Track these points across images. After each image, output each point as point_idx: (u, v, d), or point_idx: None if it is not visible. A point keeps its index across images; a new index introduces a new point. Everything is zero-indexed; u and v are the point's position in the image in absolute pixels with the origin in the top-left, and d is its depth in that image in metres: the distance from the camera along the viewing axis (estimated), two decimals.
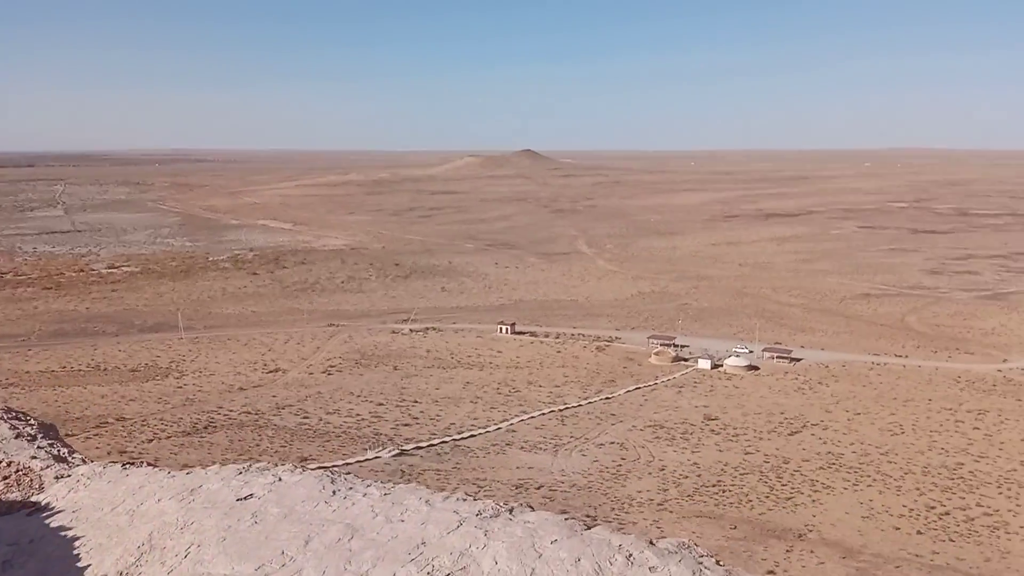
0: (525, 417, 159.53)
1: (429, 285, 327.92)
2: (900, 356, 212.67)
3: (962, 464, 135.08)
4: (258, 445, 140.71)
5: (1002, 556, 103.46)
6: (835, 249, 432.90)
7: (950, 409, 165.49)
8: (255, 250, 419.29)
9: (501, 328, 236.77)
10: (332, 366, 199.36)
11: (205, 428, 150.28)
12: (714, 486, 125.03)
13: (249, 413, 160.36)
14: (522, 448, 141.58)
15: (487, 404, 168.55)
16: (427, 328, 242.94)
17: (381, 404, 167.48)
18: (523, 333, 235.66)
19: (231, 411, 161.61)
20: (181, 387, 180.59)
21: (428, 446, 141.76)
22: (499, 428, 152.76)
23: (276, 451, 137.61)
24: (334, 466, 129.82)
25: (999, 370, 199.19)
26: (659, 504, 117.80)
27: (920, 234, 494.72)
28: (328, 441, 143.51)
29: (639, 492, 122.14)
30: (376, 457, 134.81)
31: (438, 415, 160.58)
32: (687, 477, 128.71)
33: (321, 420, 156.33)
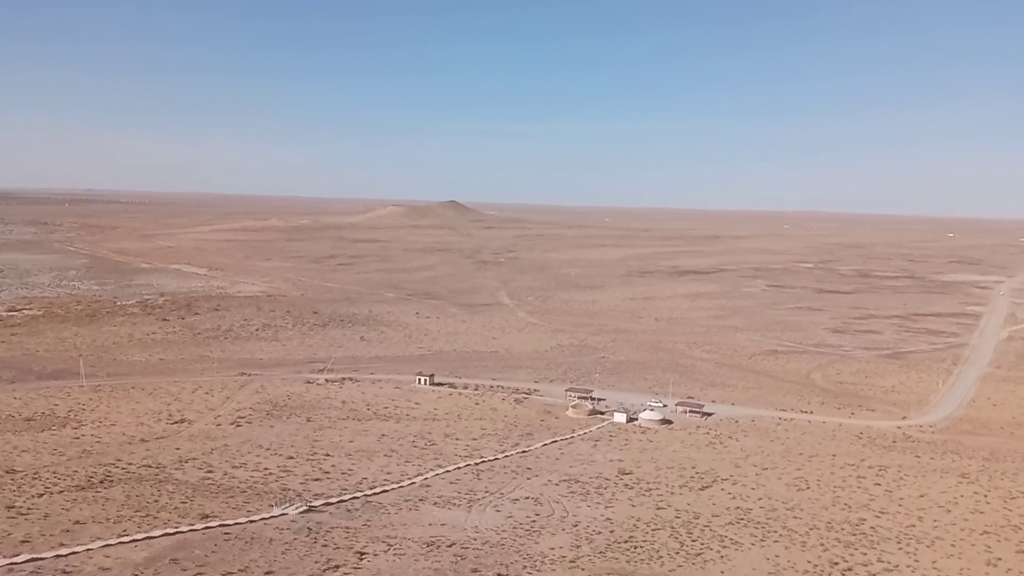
0: (440, 471, 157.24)
1: (348, 334, 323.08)
2: (806, 412, 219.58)
3: (864, 520, 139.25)
4: (156, 501, 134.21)
5: None
6: (745, 306, 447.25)
7: (853, 465, 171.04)
8: (166, 295, 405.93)
9: (420, 379, 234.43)
10: (241, 417, 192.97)
11: (101, 482, 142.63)
12: (626, 542, 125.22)
13: (149, 467, 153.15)
14: (436, 504, 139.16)
15: (402, 457, 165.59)
16: (343, 378, 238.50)
17: (291, 458, 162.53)
18: (442, 384, 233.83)
19: (130, 464, 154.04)
20: (78, 438, 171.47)
21: (338, 502, 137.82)
22: (413, 483, 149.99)
23: (176, 508, 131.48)
24: (236, 523, 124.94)
25: (899, 427, 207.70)
26: (571, 561, 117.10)
27: (825, 294, 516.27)
28: (232, 497, 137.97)
29: (552, 549, 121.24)
30: (282, 514, 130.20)
31: (350, 469, 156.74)
32: (600, 533, 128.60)
33: (226, 474, 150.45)
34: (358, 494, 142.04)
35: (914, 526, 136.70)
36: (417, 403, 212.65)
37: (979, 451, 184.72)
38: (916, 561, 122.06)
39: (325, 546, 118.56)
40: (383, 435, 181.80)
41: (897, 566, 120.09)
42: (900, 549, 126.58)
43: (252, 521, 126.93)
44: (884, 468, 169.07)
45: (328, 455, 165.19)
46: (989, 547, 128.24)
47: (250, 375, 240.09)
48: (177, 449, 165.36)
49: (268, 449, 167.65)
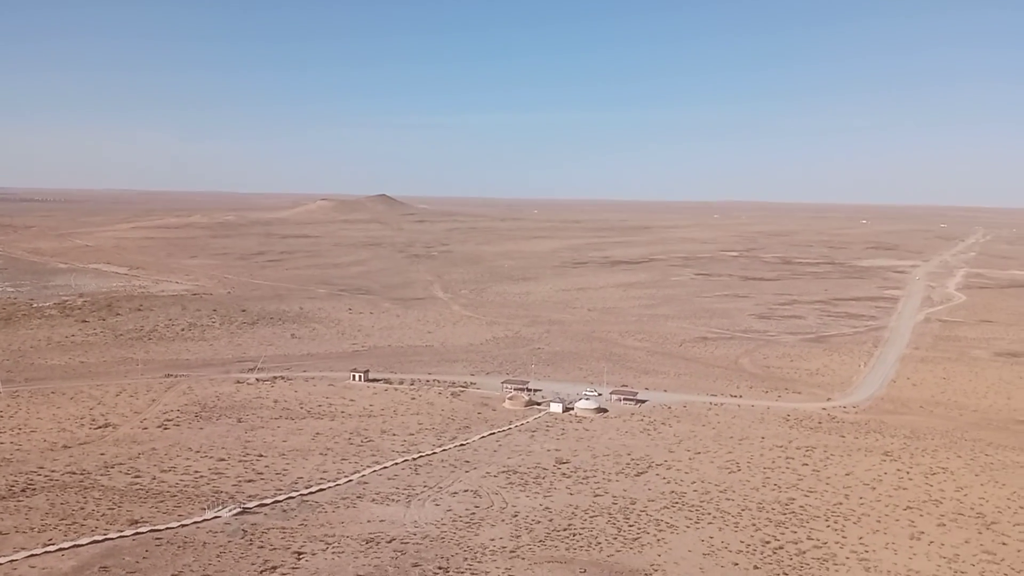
0: (378, 467, 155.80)
1: (278, 332, 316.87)
2: (735, 396, 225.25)
3: (793, 499, 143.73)
4: (82, 508, 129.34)
5: None
6: (675, 295, 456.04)
7: (781, 446, 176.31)
8: (86, 296, 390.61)
9: (354, 375, 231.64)
10: (169, 419, 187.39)
11: (23, 491, 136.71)
12: (565, 530, 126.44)
13: (74, 473, 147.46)
14: (374, 500, 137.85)
15: (338, 455, 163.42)
16: (275, 377, 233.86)
17: (223, 459, 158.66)
18: (377, 380, 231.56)
19: (53, 472, 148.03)
20: None
21: (273, 503, 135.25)
22: (350, 480, 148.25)
23: (103, 514, 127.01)
24: (167, 528, 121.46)
25: (824, 408, 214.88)
26: (511, 551, 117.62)
27: (750, 281, 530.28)
28: (162, 502, 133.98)
29: (492, 540, 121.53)
30: (215, 517, 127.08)
31: (285, 469, 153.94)
32: (539, 522, 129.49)
33: (155, 479, 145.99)
34: (294, 494, 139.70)
35: (841, 504, 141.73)
36: (352, 400, 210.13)
37: (900, 430, 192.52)
38: (844, 537, 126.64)
39: (261, 547, 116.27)
40: (318, 433, 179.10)
41: (826, 543, 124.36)
42: (828, 526, 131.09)
43: (184, 525, 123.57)
44: (811, 448, 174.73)
45: (261, 456, 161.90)
46: (912, 521, 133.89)
47: (177, 376, 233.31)
48: (102, 454, 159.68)
49: (198, 451, 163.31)
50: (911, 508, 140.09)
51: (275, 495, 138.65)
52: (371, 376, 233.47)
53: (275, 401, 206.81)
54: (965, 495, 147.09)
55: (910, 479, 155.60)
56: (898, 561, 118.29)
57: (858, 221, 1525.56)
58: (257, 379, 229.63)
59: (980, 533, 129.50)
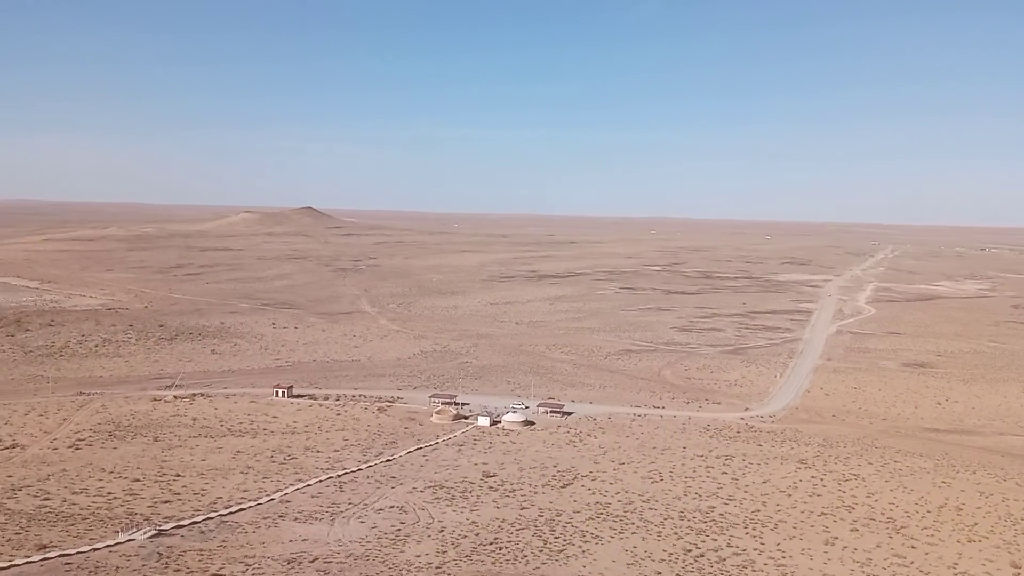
0: (301, 486, 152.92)
1: (198, 347, 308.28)
2: (658, 407, 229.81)
3: (713, 507, 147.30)
4: None
5: None
6: (600, 308, 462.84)
7: (702, 456, 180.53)
8: None
9: (277, 392, 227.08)
10: (81, 439, 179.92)
11: None
12: (491, 544, 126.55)
13: None
14: (296, 519, 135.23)
15: (259, 474, 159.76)
16: (194, 394, 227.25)
17: (138, 480, 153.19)
18: (301, 396, 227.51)
19: None
20: None
21: (191, 524, 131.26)
22: (272, 499, 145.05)
23: (9, 539, 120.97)
24: (78, 553, 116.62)
25: (742, 418, 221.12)
26: (438, 567, 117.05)
27: (673, 295, 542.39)
28: (73, 525, 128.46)
29: (417, 556, 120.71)
30: (129, 540, 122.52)
31: (203, 489, 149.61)
32: (466, 537, 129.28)
33: (65, 501, 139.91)
34: (212, 514, 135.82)
35: (759, 511, 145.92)
36: (275, 417, 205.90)
37: (815, 438, 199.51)
38: (762, 544, 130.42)
39: (178, 571, 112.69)
40: (239, 452, 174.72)
41: (745, 549, 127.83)
42: (747, 533, 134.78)
43: (96, 549, 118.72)
44: (730, 457, 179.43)
45: (179, 475, 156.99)
46: (826, 527, 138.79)
47: (90, 394, 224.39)
48: (9, 476, 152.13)
49: (111, 472, 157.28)
50: (825, 514, 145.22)
51: (193, 516, 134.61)
52: (295, 392, 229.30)
53: (194, 419, 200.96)
54: (876, 501, 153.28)
55: (824, 486, 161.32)
56: (813, 566, 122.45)
57: (773, 237, 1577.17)
58: (175, 396, 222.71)
59: (890, 537, 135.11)
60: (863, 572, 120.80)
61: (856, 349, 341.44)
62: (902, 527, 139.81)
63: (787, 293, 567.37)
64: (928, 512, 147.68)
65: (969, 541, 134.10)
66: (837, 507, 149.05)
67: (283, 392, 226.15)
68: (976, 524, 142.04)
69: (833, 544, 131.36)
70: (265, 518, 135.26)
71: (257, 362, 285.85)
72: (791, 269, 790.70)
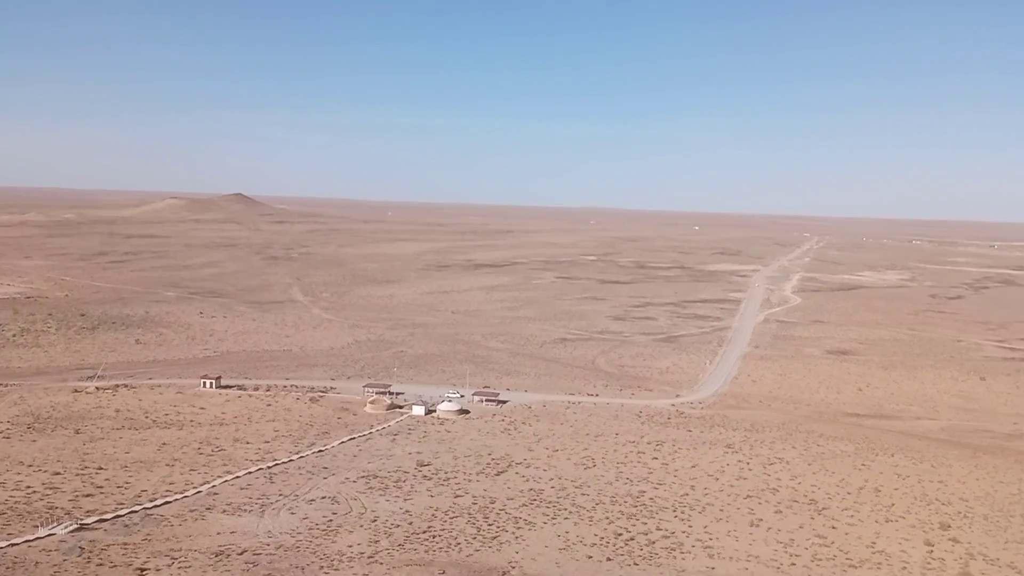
0: (229, 477, 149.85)
1: (121, 337, 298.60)
2: (592, 395, 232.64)
3: (644, 492, 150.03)
4: None
5: (678, 574, 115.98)
6: (536, 297, 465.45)
7: (633, 442, 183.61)
8: None
9: (205, 382, 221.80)
10: None
11: None
12: (425, 532, 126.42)
13: None
14: (225, 511, 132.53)
15: (186, 466, 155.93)
16: (117, 385, 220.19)
17: (58, 473, 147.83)
18: (230, 387, 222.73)
19: None
20: None
21: (114, 518, 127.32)
22: (199, 491, 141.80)
23: None
24: None
25: (673, 404, 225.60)
26: (370, 557, 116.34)
27: (607, 284, 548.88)
28: None
29: (350, 547, 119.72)
30: (49, 535, 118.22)
31: (127, 482, 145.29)
32: (399, 526, 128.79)
33: None
34: (136, 507, 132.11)
35: (687, 494, 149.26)
36: (202, 408, 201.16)
37: (742, 423, 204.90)
38: (690, 527, 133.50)
39: (100, 565, 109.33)
40: (164, 444, 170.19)
41: (673, 532, 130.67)
42: (676, 517, 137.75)
43: (14, 544, 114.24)
44: (661, 443, 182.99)
45: (101, 468, 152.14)
46: (752, 509, 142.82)
47: (6, 386, 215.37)
48: None
49: (30, 466, 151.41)
50: (751, 497, 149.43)
51: (116, 510, 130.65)
52: (224, 383, 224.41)
53: (117, 411, 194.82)
54: (799, 483, 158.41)
55: (750, 469, 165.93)
56: (739, 547, 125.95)
57: (702, 228, 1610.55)
58: (97, 388, 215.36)
59: (812, 518, 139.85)
60: (786, 552, 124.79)
61: (782, 337, 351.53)
62: (823, 508, 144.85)
63: (718, 283, 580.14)
64: (848, 494, 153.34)
65: (886, 521, 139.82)
66: (762, 490, 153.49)
67: (211, 383, 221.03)
68: (893, 504, 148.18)
69: (758, 525, 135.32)
70: (192, 511, 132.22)
71: (184, 352, 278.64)
72: (722, 259, 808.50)
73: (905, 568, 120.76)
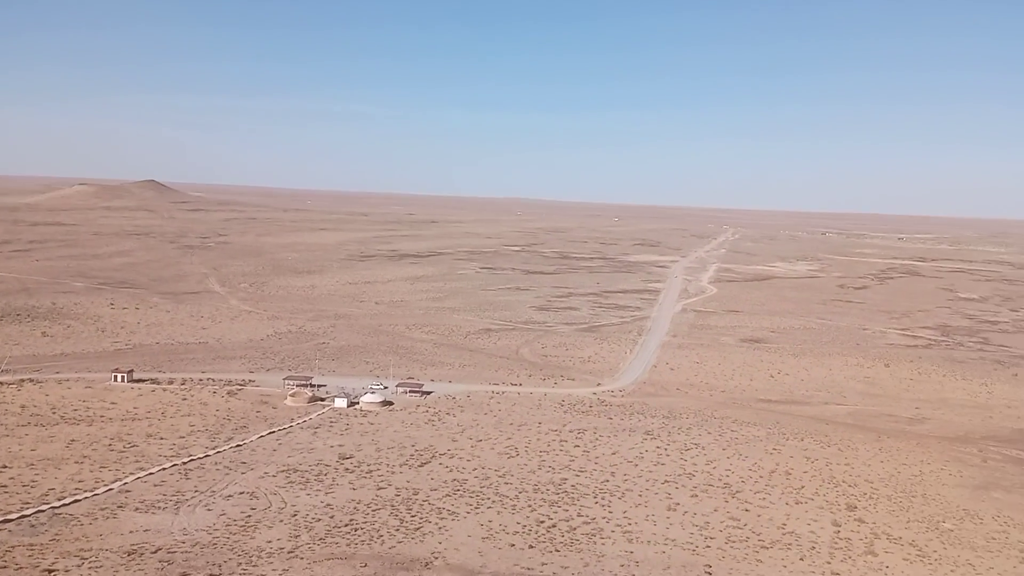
0: (142, 474, 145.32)
1: (26, 330, 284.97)
2: (515, 384, 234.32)
3: (566, 479, 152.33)
4: None
5: (598, 559, 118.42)
6: (461, 288, 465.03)
7: (556, 430, 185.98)
8: None
9: (116, 376, 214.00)
10: None
11: None
12: (346, 526, 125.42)
13: None
14: (137, 509, 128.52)
15: (96, 463, 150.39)
16: (22, 380, 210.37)
17: None
18: (143, 381, 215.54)
19: None
20: None
21: (19, 518, 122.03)
22: (110, 489, 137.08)
23: None
24: None
25: (594, 393, 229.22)
26: (290, 552, 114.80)
27: (531, 275, 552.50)
28: None
29: (269, 542, 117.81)
30: None
31: (34, 481, 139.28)
32: (320, 520, 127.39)
33: None
34: (43, 507, 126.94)
35: (608, 481, 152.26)
36: (114, 403, 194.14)
37: (660, 410, 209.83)
38: (610, 512, 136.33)
39: (5, 567, 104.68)
40: (73, 440, 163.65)
41: (594, 518, 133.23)
42: (597, 503, 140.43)
43: None
44: (582, 431, 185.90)
45: (5, 467, 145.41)
46: (669, 494, 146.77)
47: None
48: None
49: None
50: (668, 482, 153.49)
51: (21, 509, 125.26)
52: (136, 376, 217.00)
53: (22, 406, 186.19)
54: (714, 468, 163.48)
55: (668, 455, 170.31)
56: (657, 531, 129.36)
57: (624, 219, 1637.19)
58: (1, 382, 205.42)
59: (727, 501, 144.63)
60: (701, 535, 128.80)
61: (699, 326, 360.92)
62: (737, 492, 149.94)
63: (638, 273, 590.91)
64: (760, 477, 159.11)
65: (796, 503, 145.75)
66: (679, 475, 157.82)
67: (122, 376, 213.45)
68: (803, 487, 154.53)
69: (675, 510, 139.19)
70: (103, 509, 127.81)
71: (93, 345, 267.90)
72: (642, 250, 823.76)
73: (814, 548, 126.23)
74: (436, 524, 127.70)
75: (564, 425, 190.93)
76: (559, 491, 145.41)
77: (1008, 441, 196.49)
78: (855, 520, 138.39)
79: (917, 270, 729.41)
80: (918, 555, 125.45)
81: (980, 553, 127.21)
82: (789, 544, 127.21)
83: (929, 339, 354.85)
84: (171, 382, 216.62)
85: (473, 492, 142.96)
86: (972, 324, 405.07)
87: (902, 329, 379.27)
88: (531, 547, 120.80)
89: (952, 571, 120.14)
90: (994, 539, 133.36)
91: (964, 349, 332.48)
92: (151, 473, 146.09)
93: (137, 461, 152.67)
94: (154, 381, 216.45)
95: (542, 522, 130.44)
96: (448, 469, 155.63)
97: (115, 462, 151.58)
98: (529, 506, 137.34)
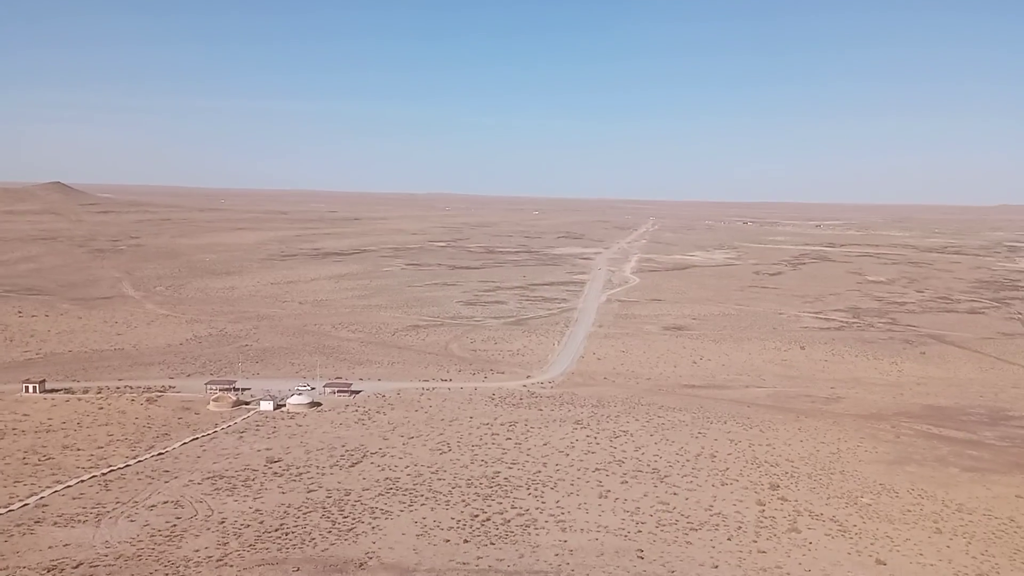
0: (60, 487, 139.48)
1: None
2: (446, 380, 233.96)
3: (499, 472, 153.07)
4: None
5: (533, 550, 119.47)
6: (387, 285, 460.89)
7: (487, 424, 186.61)
8: None
9: (27, 387, 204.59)
10: None
11: None
12: (277, 530, 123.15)
13: None
14: (56, 524, 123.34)
15: (9, 478, 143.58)
16: None
17: None
18: (56, 391, 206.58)
19: None
20: None
21: None
22: (26, 504, 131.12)
23: None
24: None
25: (524, 385, 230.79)
26: (219, 560, 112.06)
27: (457, 270, 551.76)
28: None
29: (196, 551, 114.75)
30: None
31: None
32: (249, 526, 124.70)
33: None
34: None
35: (540, 472, 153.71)
36: (25, 415, 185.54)
37: (589, 400, 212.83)
38: (543, 503, 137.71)
39: None
40: None
41: (528, 510, 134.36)
42: (530, 494, 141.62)
43: None
44: (514, 424, 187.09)
45: None
46: (600, 482, 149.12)
47: None
48: None
49: None
50: (599, 469, 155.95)
51: None
52: (48, 386, 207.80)
53: None
54: (643, 454, 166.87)
55: (598, 443, 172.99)
56: (589, 519, 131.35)
57: (544, 213, 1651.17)
58: None
59: (656, 486, 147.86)
60: (633, 520, 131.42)
61: (623, 316, 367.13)
62: (665, 476, 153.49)
63: (563, 266, 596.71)
64: (687, 461, 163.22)
65: (722, 484, 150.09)
66: (609, 462, 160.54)
67: (34, 387, 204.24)
68: (727, 469, 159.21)
69: (606, 497, 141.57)
70: (19, 525, 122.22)
71: (1, 356, 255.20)
72: (566, 243, 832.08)
73: (740, 527, 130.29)
74: (369, 524, 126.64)
75: (495, 418, 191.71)
76: (492, 484, 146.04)
77: (919, 417, 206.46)
78: (778, 499, 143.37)
79: (828, 255, 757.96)
80: (839, 530, 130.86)
81: (897, 525, 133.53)
82: (716, 525, 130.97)
83: (841, 321, 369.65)
84: (86, 391, 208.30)
85: (406, 490, 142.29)
86: (881, 306, 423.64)
87: (815, 312, 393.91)
88: (466, 542, 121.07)
89: (871, 544, 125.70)
90: (909, 511, 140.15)
91: (874, 330, 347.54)
92: (69, 486, 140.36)
93: (54, 474, 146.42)
94: (68, 391, 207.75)
95: (476, 516, 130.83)
96: (380, 468, 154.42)
97: (30, 476, 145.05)
98: (463, 501, 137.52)
